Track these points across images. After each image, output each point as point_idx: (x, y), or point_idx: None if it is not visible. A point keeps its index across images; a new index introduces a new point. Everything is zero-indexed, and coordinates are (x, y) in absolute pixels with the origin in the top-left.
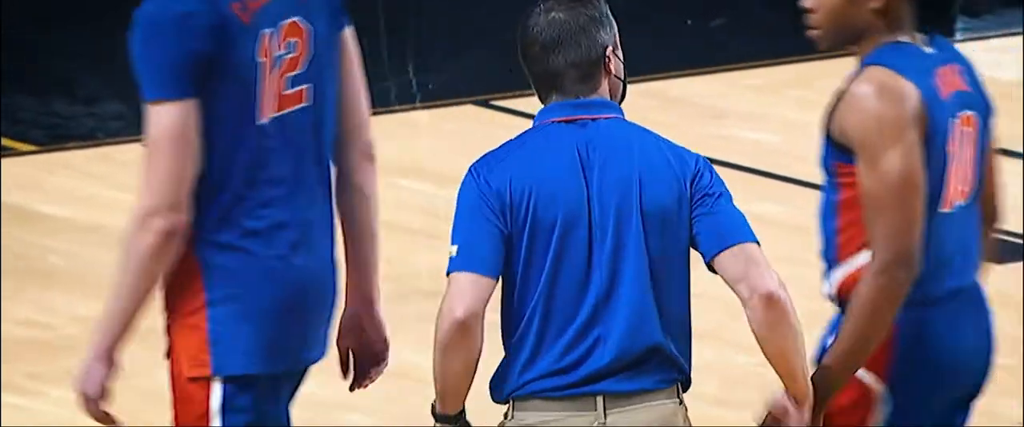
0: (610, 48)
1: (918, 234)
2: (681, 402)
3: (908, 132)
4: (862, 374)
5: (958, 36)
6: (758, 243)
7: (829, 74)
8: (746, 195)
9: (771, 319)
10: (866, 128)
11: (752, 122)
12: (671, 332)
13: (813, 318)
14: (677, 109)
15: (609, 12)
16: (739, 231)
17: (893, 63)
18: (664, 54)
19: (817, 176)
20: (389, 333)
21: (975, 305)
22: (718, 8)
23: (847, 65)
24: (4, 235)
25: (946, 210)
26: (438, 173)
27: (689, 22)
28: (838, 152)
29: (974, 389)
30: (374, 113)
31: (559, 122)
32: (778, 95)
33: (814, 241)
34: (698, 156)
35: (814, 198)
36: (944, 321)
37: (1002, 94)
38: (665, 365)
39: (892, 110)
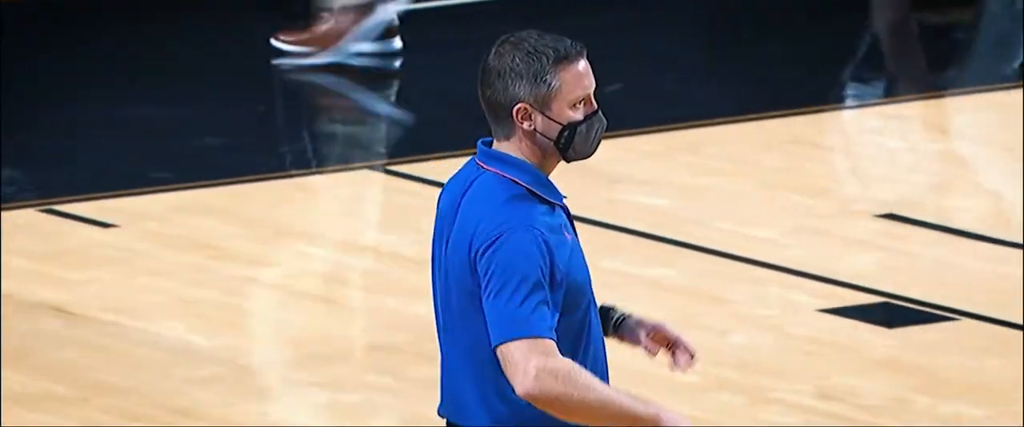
0: (525, 103)
1: None
2: None
3: None
4: None
5: (849, 102)
6: (514, 336)
7: (720, 141)
8: (641, 259)
9: (544, 408)
10: None
11: (646, 187)
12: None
13: (718, 382)
14: (573, 175)
15: (553, 73)
16: (497, 331)
17: None
18: None
19: (711, 240)
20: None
21: None
22: (614, 75)
23: (736, 132)
24: None
25: None
26: (336, 239)
27: None
28: None
29: None
30: (271, 178)
31: (474, 158)
32: (671, 161)
33: (708, 305)
34: (487, 240)
35: (708, 262)
36: None
37: (891, 161)
38: None
39: None
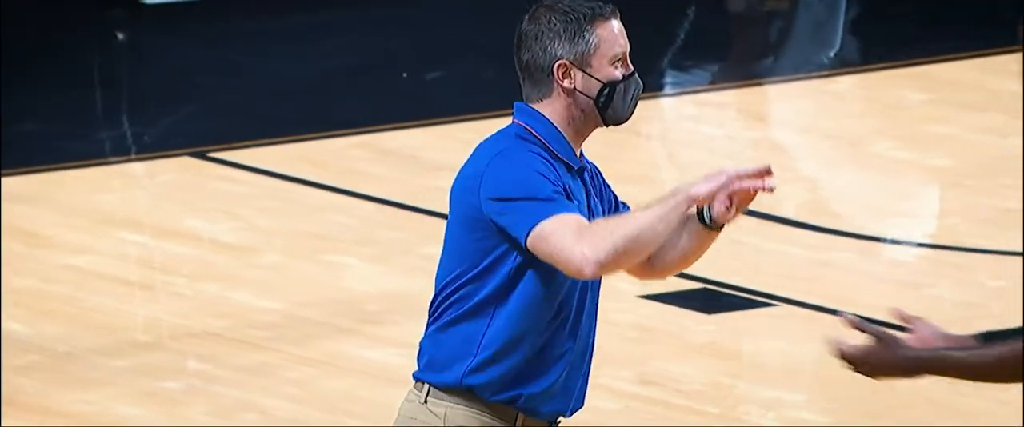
0: (565, 60)
1: None
2: (424, 400)
3: None
4: None
5: (668, 90)
6: (538, 220)
7: None
8: None
9: (609, 272)
10: None
11: None
12: (435, 325)
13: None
14: (391, 161)
15: (590, 30)
16: (522, 227)
17: None
18: (379, 106)
19: None
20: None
21: None
22: (434, 63)
23: None
24: None
25: None
26: (154, 225)
27: (405, 75)
28: None
29: None
30: (90, 165)
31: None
32: None
33: None
34: (488, 163)
35: None
36: None
37: (708, 149)
38: (420, 361)
39: None
